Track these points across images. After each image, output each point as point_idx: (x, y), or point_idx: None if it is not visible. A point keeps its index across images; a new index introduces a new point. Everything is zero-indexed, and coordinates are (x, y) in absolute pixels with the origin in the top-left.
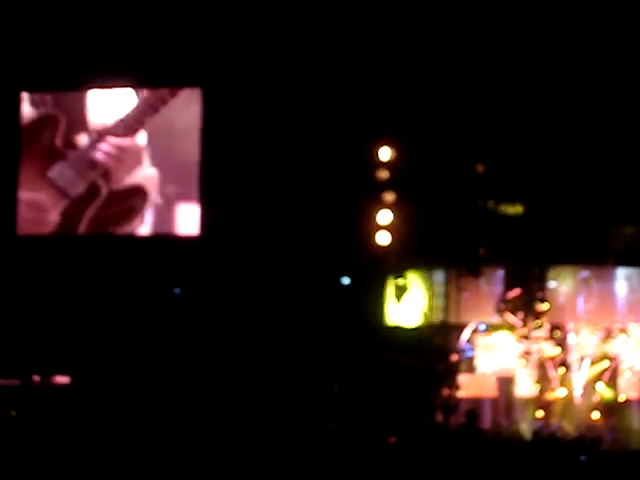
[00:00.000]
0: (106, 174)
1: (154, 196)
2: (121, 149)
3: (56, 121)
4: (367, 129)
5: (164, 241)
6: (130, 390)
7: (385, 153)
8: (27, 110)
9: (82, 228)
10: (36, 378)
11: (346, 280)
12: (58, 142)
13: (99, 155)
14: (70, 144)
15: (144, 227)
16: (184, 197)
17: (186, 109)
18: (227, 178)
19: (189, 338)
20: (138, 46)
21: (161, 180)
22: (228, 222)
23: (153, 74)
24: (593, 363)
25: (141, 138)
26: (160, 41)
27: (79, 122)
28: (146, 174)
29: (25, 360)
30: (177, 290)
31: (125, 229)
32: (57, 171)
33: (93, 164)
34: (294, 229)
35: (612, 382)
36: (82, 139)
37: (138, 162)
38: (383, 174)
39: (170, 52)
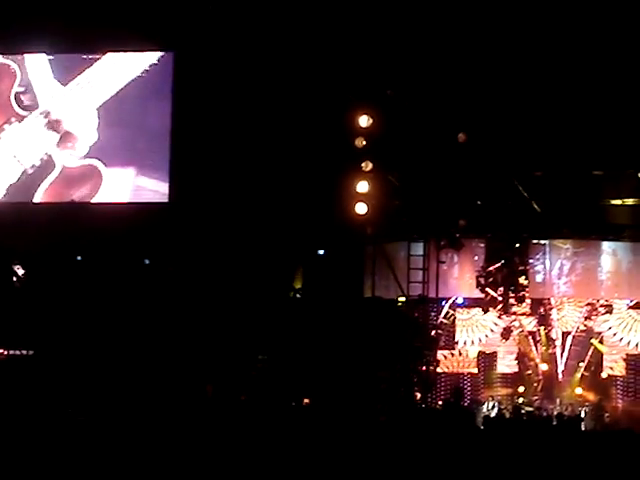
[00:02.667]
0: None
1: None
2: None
3: (13, 74)
4: (345, 97)
5: (133, 209)
6: (98, 363)
7: (363, 121)
8: None
9: (38, 198)
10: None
11: (322, 251)
12: (12, 98)
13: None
14: (26, 105)
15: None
16: (154, 164)
17: (157, 74)
18: (199, 145)
19: (158, 309)
20: (108, 9)
21: (128, 147)
22: (199, 190)
23: (124, 38)
24: (576, 339)
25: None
26: (131, 4)
27: (36, 83)
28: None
29: None
30: (146, 260)
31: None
32: (11, 134)
33: (49, 132)
34: (269, 198)
35: (595, 359)
36: (39, 101)
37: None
38: (361, 142)
39: (142, 16)
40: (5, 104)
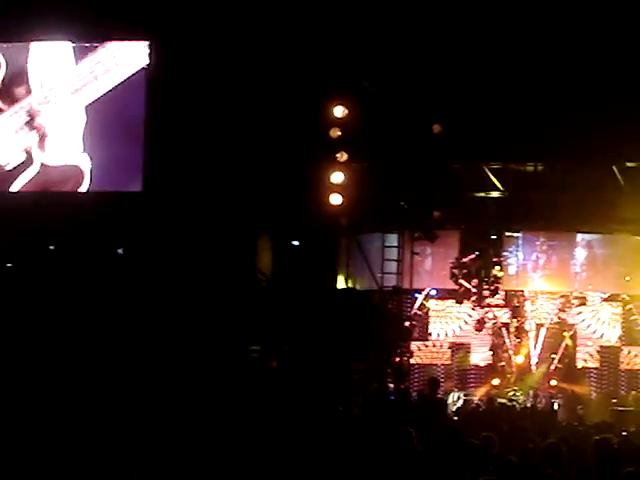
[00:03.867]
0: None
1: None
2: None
3: None
4: (320, 87)
5: (106, 198)
6: (70, 355)
7: (338, 111)
8: None
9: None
10: None
11: (296, 242)
12: None
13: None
14: (9, 97)
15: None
16: (127, 152)
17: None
18: (172, 134)
19: (132, 299)
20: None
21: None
22: (173, 179)
23: (100, 27)
24: (550, 331)
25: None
26: None
27: (19, 75)
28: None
29: None
30: (119, 250)
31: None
32: None
33: (31, 127)
34: (243, 188)
35: (569, 350)
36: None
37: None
38: (336, 132)
39: (117, 4)
40: None
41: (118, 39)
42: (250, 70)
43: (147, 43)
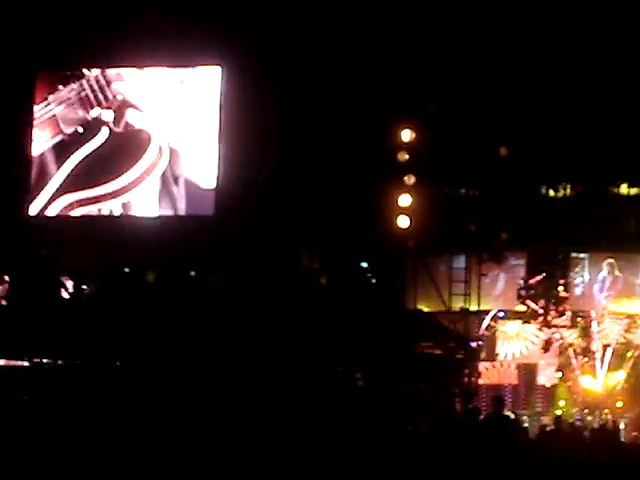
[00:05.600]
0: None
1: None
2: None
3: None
4: (388, 111)
5: (179, 221)
6: (144, 375)
7: (406, 135)
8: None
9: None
10: None
11: (365, 264)
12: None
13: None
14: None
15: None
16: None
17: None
18: (244, 157)
19: (204, 320)
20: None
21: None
22: (244, 202)
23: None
24: (616, 352)
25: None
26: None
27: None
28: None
29: None
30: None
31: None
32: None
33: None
34: (313, 212)
35: (635, 371)
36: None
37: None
38: (404, 156)
39: (190, 30)
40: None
41: (188, 65)
42: (320, 94)
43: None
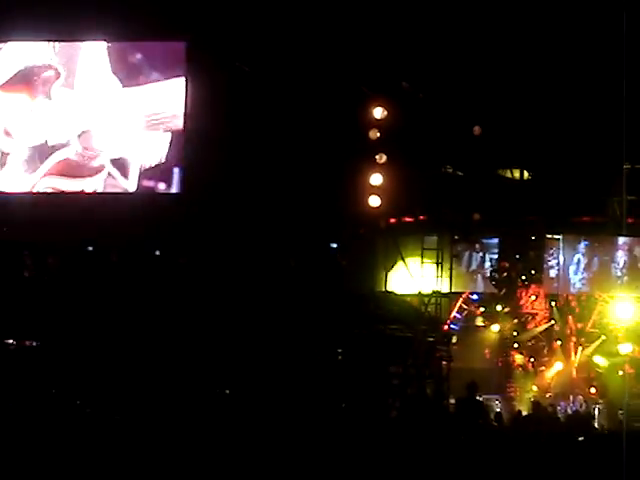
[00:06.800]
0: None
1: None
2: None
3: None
4: (359, 89)
5: (144, 200)
6: (107, 356)
7: (378, 113)
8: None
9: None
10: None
11: (335, 244)
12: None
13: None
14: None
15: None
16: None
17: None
18: (211, 136)
19: (169, 300)
20: None
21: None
22: (211, 181)
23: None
24: (590, 336)
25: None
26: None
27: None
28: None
29: None
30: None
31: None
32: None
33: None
34: (281, 191)
35: (609, 357)
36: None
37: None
38: (375, 134)
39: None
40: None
41: (152, 39)
42: (289, 72)
43: (185, 43)
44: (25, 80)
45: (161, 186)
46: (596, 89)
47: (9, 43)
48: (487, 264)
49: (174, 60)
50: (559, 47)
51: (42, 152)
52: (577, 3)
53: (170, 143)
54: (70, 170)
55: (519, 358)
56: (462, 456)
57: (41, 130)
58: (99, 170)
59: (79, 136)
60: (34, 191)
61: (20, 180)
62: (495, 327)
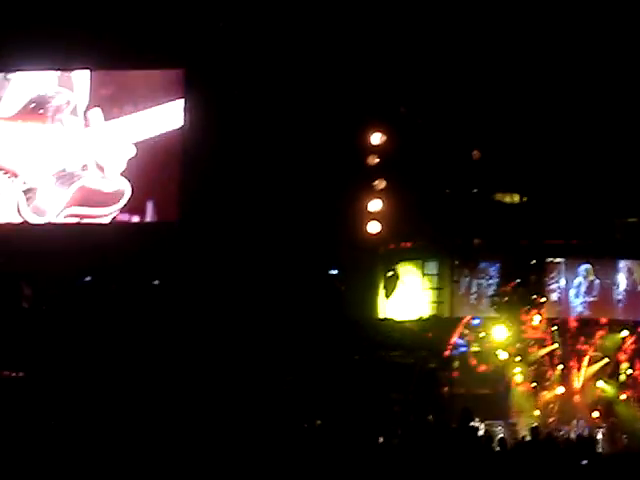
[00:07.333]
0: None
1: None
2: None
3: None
4: (358, 114)
5: (140, 229)
6: (109, 384)
7: (376, 139)
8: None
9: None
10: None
11: (334, 271)
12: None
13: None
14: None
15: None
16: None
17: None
18: (208, 163)
19: (167, 328)
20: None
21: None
22: (209, 208)
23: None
24: (592, 360)
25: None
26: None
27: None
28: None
29: None
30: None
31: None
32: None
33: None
34: (281, 217)
35: (613, 379)
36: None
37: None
38: (374, 160)
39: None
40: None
41: (150, 67)
42: (287, 98)
43: (183, 70)
44: (38, 109)
45: (135, 219)
46: (596, 112)
47: (17, 73)
48: (488, 289)
49: (170, 86)
50: (555, 72)
51: (64, 180)
52: (561, 29)
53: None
54: (92, 197)
55: (522, 383)
56: None
57: (59, 158)
58: (121, 196)
59: (96, 163)
60: (58, 220)
61: (49, 210)
62: (497, 352)
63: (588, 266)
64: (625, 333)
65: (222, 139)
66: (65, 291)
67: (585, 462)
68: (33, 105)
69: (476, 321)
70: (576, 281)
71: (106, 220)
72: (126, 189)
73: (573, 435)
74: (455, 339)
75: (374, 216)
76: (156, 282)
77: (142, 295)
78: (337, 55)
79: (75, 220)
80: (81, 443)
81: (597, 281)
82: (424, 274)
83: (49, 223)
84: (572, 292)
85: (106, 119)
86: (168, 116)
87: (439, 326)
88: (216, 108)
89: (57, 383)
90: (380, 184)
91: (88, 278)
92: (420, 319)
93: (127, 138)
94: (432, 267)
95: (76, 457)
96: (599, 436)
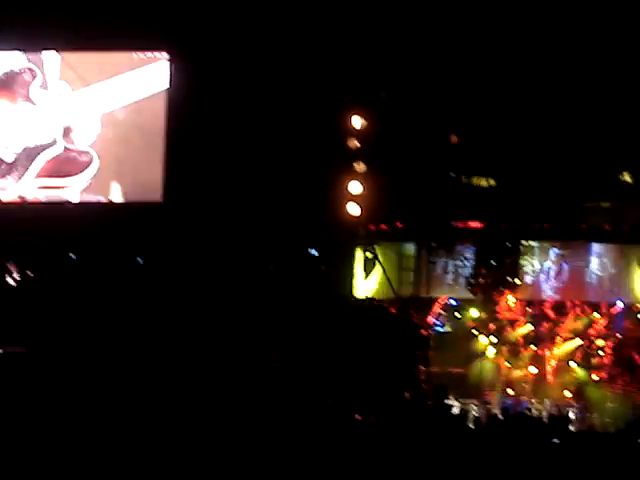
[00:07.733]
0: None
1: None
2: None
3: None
4: (337, 97)
5: (126, 208)
6: (91, 362)
7: (356, 122)
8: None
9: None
10: None
11: (314, 251)
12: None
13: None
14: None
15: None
16: (147, 163)
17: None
18: (192, 144)
19: (150, 309)
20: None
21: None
22: (192, 188)
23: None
24: (565, 341)
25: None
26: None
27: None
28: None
29: None
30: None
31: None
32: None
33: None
34: (261, 198)
35: (584, 361)
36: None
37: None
38: (354, 143)
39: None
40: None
41: (136, 49)
42: (268, 81)
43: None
44: (4, 86)
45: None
46: (572, 96)
47: None
48: (464, 270)
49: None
50: (529, 57)
51: (30, 154)
52: (543, 24)
53: None
54: (60, 168)
55: (496, 362)
56: (437, 460)
57: (26, 133)
58: (88, 164)
59: (63, 134)
60: (25, 194)
61: (13, 186)
62: (472, 332)
63: (558, 250)
64: (596, 315)
65: (204, 118)
66: (50, 269)
67: (557, 441)
68: (1, 82)
69: (452, 301)
70: (545, 265)
71: (74, 192)
72: (95, 160)
73: (545, 414)
74: (431, 319)
75: (354, 198)
76: (140, 260)
77: (126, 274)
78: (318, 38)
79: (44, 193)
80: (69, 421)
81: (566, 265)
82: (402, 255)
83: (24, 199)
84: (542, 276)
85: (79, 87)
86: (149, 81)
87: (416, 306)
88: (198, 93)
89: (42, 360)
90: (360, 167)
91: (72, 256)
92: (397, 299)
93: (103, 106)
94: (409, 248)
95: (67, 434)
96: (571, 415)
